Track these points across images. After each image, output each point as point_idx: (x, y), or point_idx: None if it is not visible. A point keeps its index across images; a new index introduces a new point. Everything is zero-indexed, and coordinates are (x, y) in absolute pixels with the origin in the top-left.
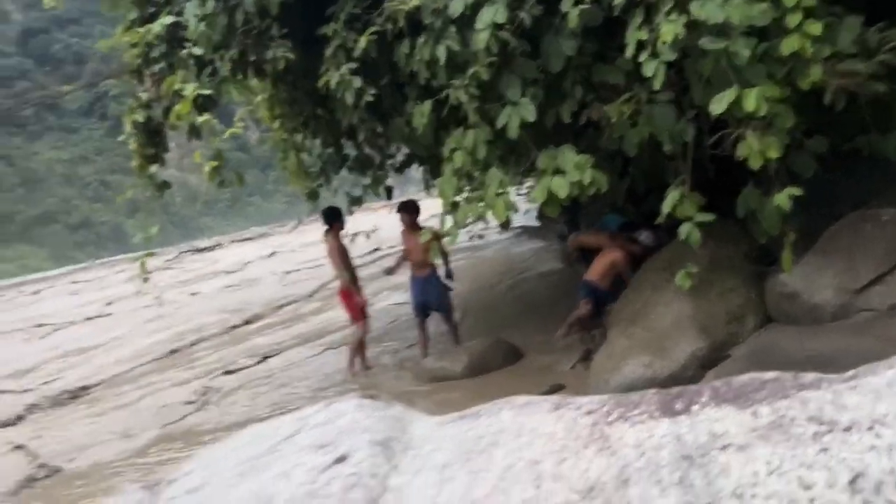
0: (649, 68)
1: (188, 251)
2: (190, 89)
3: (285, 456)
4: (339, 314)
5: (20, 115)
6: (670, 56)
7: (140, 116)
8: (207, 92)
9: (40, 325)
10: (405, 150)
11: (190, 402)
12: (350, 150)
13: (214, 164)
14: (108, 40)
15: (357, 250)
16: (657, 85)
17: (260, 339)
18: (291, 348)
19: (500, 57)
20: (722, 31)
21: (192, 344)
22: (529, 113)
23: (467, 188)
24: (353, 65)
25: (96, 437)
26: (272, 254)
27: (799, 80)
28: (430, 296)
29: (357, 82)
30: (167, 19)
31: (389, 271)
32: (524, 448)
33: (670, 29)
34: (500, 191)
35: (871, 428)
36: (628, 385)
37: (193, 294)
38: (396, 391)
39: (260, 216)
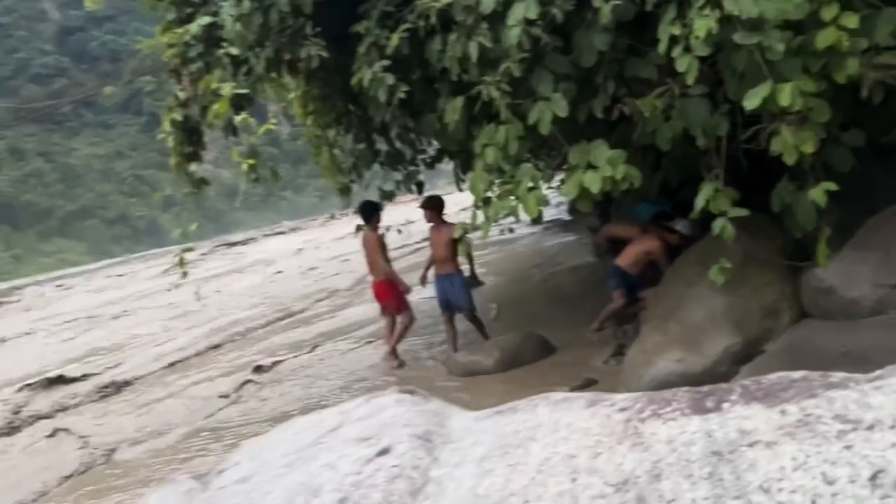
0: (682, 63)
1: (222, 245)
2: (227, 88)
3: (330, 448)
4: (373, 308)
5: (58, 112)
6: (704, 51)
7: (178, 115)
8: (244, 91)
9: (78, 319)
10: (436, 144)
11: (227, 396)
12: (381, 145)
13: (251, 161)
14: (149, 41)
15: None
16: (690, 80)
17: (295, 332)
18: (326, 342)
19: (531, 53)
20: (756, 25)
21: (229, 339)
22: (561, 108)
23: (497, 181)
24: (386, 62)
25: (142, 427)
26: (304, 248)
27: (835, 73)
28: (451, 295)
29: (389, 79)
30: (204, 20)
31: (422, 281)
32: (560, 443)
33: (703, 24)
34: (532, 185)
35: (893, 426)
36: (661, 380)
37: (229, 288)
38: (430, 385)
39: (292, 210)
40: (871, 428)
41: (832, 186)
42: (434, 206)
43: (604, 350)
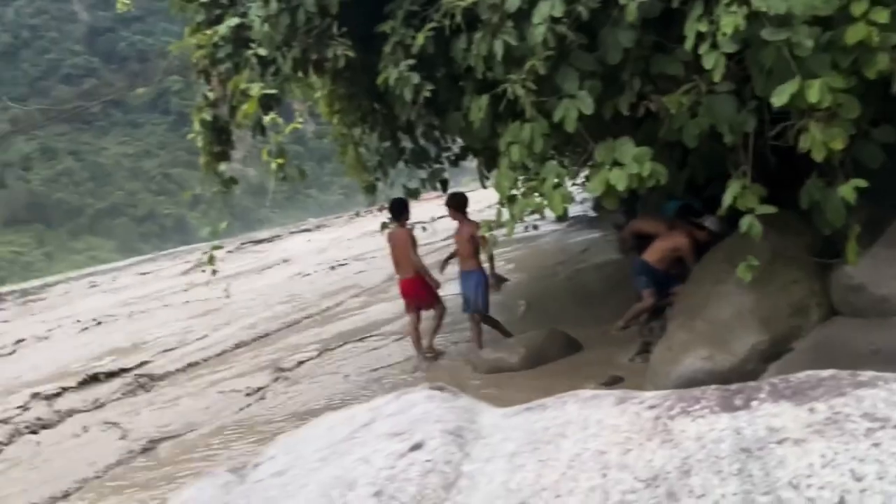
0: (709, 60)
1: (248, 242)
2: (256, 89)
3: (364, 443)
4: (398, 305)
5: (88, 111)
6: (731, 48)
7: (207, 115)
8: (272, 91)
9: (106, 315)
10: (460, 142)
11: (256, 391)
12: (406, 143)
13: (280, 160)
14: (179, 42)
15: None
16: (717, 77)
17: (321, 329)
18: (353, 339)
19: (556, 50)
20: (784, 21)
21: (256, 336)
22: (587, 106)
23: (522, 178)
24: (411, 61)
25: (174, 421)
26: (330, 245)
27: (864, 69)
28: (468, 292)
29: (415, 78)
30: (233, 21)
31: (441, 267)
32: (590, 439)
33: (731, 20)
34: (557, 183)
35: None
36: (688, 378)
37: (256, 285)
38: (455, 382)
39: (317, 208)
40: None
41: (862, 183)
42: (457, 204)
43: (629, 348)
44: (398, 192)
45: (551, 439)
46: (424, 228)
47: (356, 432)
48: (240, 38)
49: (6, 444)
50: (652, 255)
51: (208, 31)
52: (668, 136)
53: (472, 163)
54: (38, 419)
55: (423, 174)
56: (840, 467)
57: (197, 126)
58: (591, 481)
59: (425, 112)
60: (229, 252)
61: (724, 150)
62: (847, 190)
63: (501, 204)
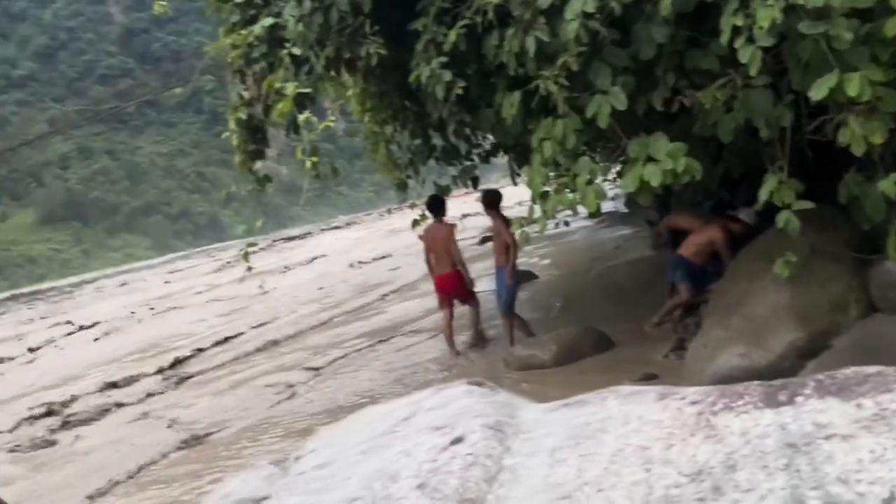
0: (745, 54)
1: (280, 240)
2: (290, 88)
3: (405, 437)
4: (430, 302)
5: (124, 111)
6: (767, 41)
7: (242, 114)
8: (307, 90)
9: (152, 308)
10: (490, 139)
11: (292, 386)
12: (437, 140)
13: (314, 159)
14: (214, 43)
15: None
16: (753, 71)
17: (356, 325)
18: (389, 335)
19: (589, 46)
20: (822, 13)
21: (291, 333)
22: (620, 101)
23: (553, 174)
24: (443, 58)
25: (212, 416)
26: (360, 241)
27: None
28: (501, 287)
29: (447, 76)
30: (267, 21)
31: (480, 241)
32: (632, 434)
33: (767, 14)
34: (590, 179)
35: None
36: (724, 375)
37: (289, 281)
38: (488, 378)
39: (347, 205)
40: None
41: None
42: (491, 201)
43: (663, 345)
44: (429, 190)
45: (592, 434)
46: (455, 225)
47: (396, 426)
48: (274, 37)
49: (52, 439)
50: (687, 249)
51: (243, 32)
52: (703, 132)
53: (501, 159)
54: (81, 413)
55: (453, 171)
56: (889, 462)
57: (232, 125)
58: (634, 476)
59: (457, 109)
60: (261, 249)
61: (760, 145)
62: (888, 184)
63: (533, 200)
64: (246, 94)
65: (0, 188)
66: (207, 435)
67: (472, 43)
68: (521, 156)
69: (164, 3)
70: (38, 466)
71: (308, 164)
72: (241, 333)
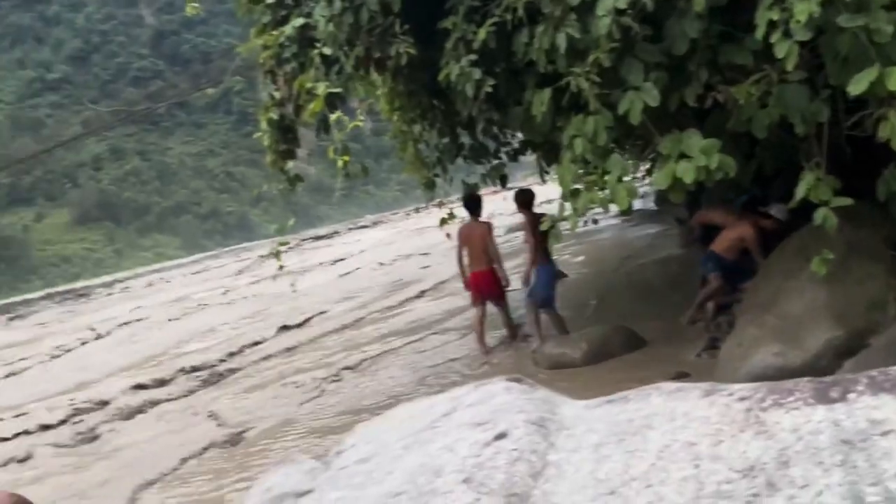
0: (781, 48)
1: (308, 239)
2: (321, 88)
3: (446, 432)
4: (459, 301)
5: (155, 112)
6: (804, 35)
7: (274, 114)
8: (337, 90)
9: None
10: (519, 136)
11: (325, 382)
12: (465, 139)
13: (346, 158)
14: (246, 44)
15: None
16: (789, 66)
17: (390, 321)
18: (423, 332)
19: (621, 42)
20: (861, 6)
21: (324, 331)
22: (653, 98)
23: (582, 171)
24: (473, 56)
25: (250, 412)
26: (389, 241)
27: None
28: (535, 286)
29: (477, 74)
30: (298, 21)
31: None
32: (678, 430)
33: (805, 7)
34: (621, 176)
35: None
36: (757, 374)
37: (318, 280)
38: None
39: (374, 204)
40: None
41: None
42: (523, 200)
43: (695, 344)
44: (457, 189)
45: (637, 430)
46: (491, 224)
47: (437, 422)
48: (305, 38)
49: (96, 432)
50: (719, 244)
51: (274, 32)
52: (737, 127)
53: (529, 157)
54: (125, 408)
55: (481, 169)
56: None
57: (264, 125)
58: (683, 472)
59: (486, 107)
60: (290, 248)
61: (795, 141)
62: None
63: (564, 198)
64: (277, 95)
65: (36, 189)
66: (244, 431)
67: (502, 41)
68: (549, 154)
69: (195, 4)
70: (80, 461)
71: (340, 163)
72: (272, 331)
